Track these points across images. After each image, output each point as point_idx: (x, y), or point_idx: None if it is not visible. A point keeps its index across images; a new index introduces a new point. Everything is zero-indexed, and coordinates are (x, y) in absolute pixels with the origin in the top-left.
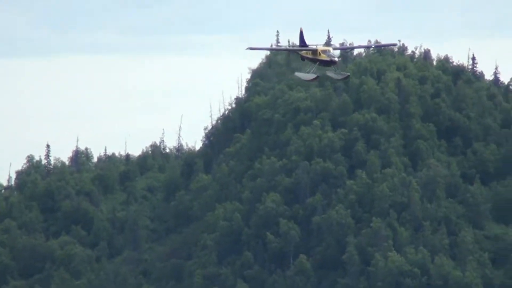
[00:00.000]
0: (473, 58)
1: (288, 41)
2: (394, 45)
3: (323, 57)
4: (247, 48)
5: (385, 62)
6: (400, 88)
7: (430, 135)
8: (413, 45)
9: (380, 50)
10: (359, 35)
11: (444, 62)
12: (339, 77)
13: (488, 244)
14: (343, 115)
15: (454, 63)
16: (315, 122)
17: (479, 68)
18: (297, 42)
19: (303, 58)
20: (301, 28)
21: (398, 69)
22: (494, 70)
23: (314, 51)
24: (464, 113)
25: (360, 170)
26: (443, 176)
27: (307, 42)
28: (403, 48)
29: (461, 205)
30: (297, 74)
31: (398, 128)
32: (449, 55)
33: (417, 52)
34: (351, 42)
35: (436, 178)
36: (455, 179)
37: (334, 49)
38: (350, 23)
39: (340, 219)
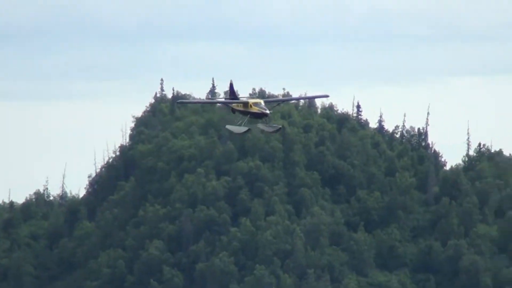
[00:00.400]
0: (358, 106)
1: (173, 89)
2: (326, 96)
3: (255, 109)
4: (178, 102)
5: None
6: (285, 136)
7: (314, 183)
8: (298, 93)
9: (265, 97)
10: (244, 82)
11: (329, 110)
12: (271, 129)
13: None
14: (227, 163)
15: (339, 111)
16: (199, 170)
17: (364, 116)
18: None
19: (233, 111)
20: (231, 80)
21: (283, 117)
22: (379, 118)
23: (245, 104)
24: (348, 161)
25: (244, 218)
26: (327, 224)
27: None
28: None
29: (345, 253)
30: (228, 127)
31: (282, 176)
32: (333, 103)
33: (302, 100)
34: (269, 93)
35: (320, 225)
36: (339, 227)
37: (266, 102)
38: (234, 71)
39: (223, 267)
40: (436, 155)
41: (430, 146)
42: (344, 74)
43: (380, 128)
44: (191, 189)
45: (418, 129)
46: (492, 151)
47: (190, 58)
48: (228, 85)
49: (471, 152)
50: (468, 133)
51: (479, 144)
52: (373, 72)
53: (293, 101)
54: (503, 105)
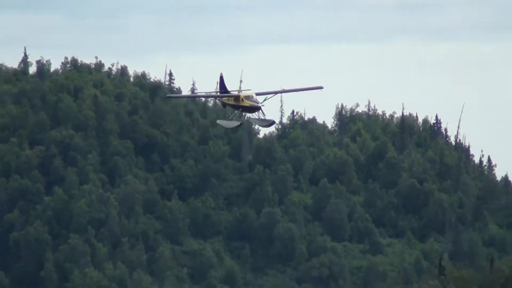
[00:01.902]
0: (170, 74)
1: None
2: (320, 88)
3: (247, 103)
4: (167, 96)
5: (82, 79)
6: (97, 105)
7: (127, 152)
8: (110, 61)
9: (77, 66)
10: (56, 51)
11: (141, 78)
12: (264, 123)
13: (186, 259)
14: (41, 132)
15: (151, 80)
16: (12, 139)
17: (177, 84)
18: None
19: (224, 105)
20: (221, 73)
21: (95, 86)
22: (192, 86)
23: (237, 97)
24: (161, 129)
25: (58, 187)
26: (141, 192)
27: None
28: (99, 65)
29: (159, 221)
30: (219, 122)
31: (96, 145)
32: (146, 72)
33: (114, 69)
34: (73, 57)
35: (134, 194)
36: (153, 195)
37: (257, 94)
38: (46, 40)
39: (38, 236)
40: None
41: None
42: (156, 42)
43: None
44: (5, 158)
45: None
46: (306, 119)
47: (0, 27)
48: (218, 78)
49: (285, 120)
50: (281, 100)
51: (292, 112)
52: (185, 40)
53: (105, 70)
54: (315, 73)
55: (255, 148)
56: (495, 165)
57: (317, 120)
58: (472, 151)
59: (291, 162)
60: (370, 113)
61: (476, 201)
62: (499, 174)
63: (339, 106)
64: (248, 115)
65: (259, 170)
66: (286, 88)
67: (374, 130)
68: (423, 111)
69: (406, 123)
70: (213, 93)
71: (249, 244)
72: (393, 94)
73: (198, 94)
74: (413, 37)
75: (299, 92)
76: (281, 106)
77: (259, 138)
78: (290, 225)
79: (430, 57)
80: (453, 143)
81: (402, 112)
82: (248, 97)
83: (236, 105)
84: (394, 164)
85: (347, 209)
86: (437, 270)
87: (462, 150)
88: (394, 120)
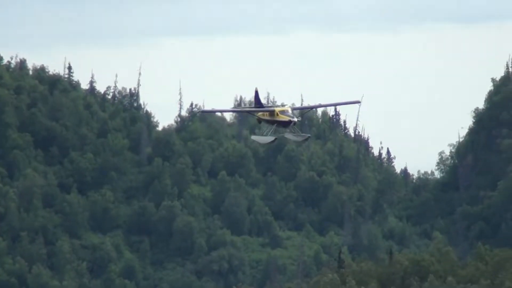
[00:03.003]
0: (69, 67)
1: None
2: (358, 102)
3: (282, 117)
4: (201, 112)
5: None
6: None
7: (26, 145)
8: (9, 54)
9: None
10: None
11: (40, 71)
12: (299, 138)
13: (85, 253)
14: None
15: (50, 73)
16: None
17: (75, 77)
18: None
19: (259, 120)
20: (256, 88)
21: None
22: (90, 79)
23: (272, 112)
24: (60, 122)
25: None
26: (40, 186)
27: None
28: None
29: (58, 215)
30: (253, 137)
31: None
32: (45, 65)
33: (13, 62)
34: None
35: (33, 188)
36: (52, 189)
37: (294, 109)
38: None
39: None
40: (148, 116)
41: (142, 107)
42: (55, 35)
43: (92, 89)
44: None
45: (130, 90)
46: None
47: None
48: (254, 94)
49: (183, 113)
50: (180, 93)
51: (191, 104)
52: (84, 33)
53: (4, 63)
54: (214, 65)
55: (154, 141)
56: (394, 158)
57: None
58: (371, 143)
59: (190, 155)
60: (269, 104)
61: (376, 194)
62: (398, 166)
63: (238, 98)
64: (283, 130)
65: (158, 163)
66: (323, 103)
67: None
68: (322, 100)
69: (305, 115)
70: (248, 108)
71: (148, 237)
72: (292, 86)
73: (233, 109)
74: (314, 28)
75: (307, 110)
76: (180, 98)
77: (158, 131)
78: (189, 219)
79: (330, 49)
80: (352, 135)
81: (301, 104)
82: (283, 112)
83: (272, 120)
84: (293, 156)
85: (246, 202)
86: (336, 263)
87: (361, 143)
88: None
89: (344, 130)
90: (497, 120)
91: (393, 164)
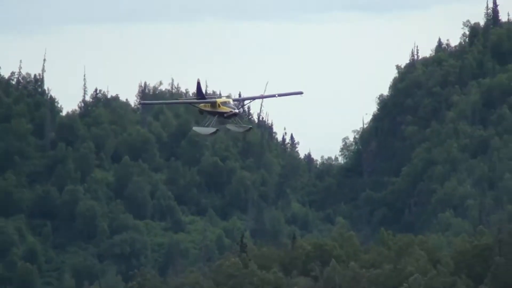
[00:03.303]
0: None
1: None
2: (300, 93)
3: (223, 109)
4: (140, 103)
5: None
6: None
7: None
8: None
9: None
10: None
11: None
12: (241, 129)
13: None
14: None
15: None
16: None
17: None
18: None
19: (201, 111)
20: (198, 79)
21: None
22: None
23: (213, 104)
24: None
25: None
26: None
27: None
28: None
29: None
30: (194, 128)
31: None
32: None
33: None
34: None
35: None
36: None
37: (234, 100)
38: None
39: None
40: (52, 101)
41: (47, 92)
42: None
43: None
44: None
45: (35, 75)
46: (109, 96)
47: None
48: (196, 84)
49: (88, 98)
50: (84, 79)
51: (96, 90)
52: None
53: None
54: (117, 52)
55: (58, 125)
56: (298, 143)
57: (120, 98)
58: (275, 129)
59: (94, 140)
60: (173, 91)
61: (279, 179)
62: (302, 151)
63: (142, 84)
64: (226, 121)
65: (62, 147)
66: (265, 93)
67: (177, 108)
68: (226, 89)
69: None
70: (189, 100)
71: (51, 221)
72: (195, 72)
73: (175, 101)
74: (221, 15)
75: (278, 97)
76: (84, 84)
77: (61, 116)
78: (92, 203)
79: (235, 36)
80: (256, 121)
81: (206, 90)
82: (224, 103)
83: (213, 111)
84: (196, 142)
85: (150, 186)
86: (239, 247)
87: (265, 128)
88: None
89: (248, 115)
90: (402, 106)
91: (296, 149)
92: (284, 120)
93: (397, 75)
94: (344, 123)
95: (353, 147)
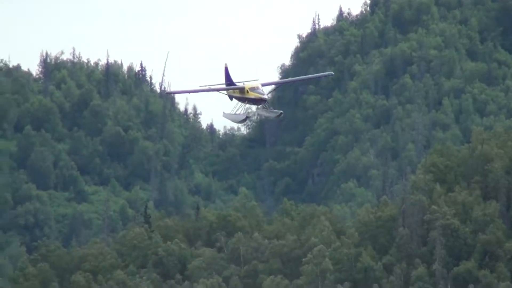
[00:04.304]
0: None
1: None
2: (331, 74)
3: (252, 95)
4: (167, 93)
5: None
6: None
7: None
8: None
9: None
10: None
11: None
12: (272, 115)
13: None
14: None
15: None
16: None
17: None
18: None
19: (231, 97)
20: (225, 64)
21: None
22: None
23: (242, 89)
24: None
25: None
26: None
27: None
28: None
29: None
30: (225, 115)
31: None
32: None
33: None
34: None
35: None
36: None
37: (263, 85)
38: None
39: None
40: None
41: None
42: None
43: None
44: None
45: None
46: (10, 66)
47: None
48: (224, 70)
49: None
50: None
51: None
52: None
53: None
54: (24, 20)
55: None
56: (200, 113)
57: (22, 68)
58: (177, 99)
59: None
60: (75, 60)
61: (182, 149)
62: (204, 122)
63: (44, 54)
64: (255, 107)
65: None
66: (293, 78)
67: (79, 78)
68: (128, 59)
69: (111, 71)
70: (218, 86)
71: None
72: (98, 42)
73: (202, 88)
74: None
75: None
76: None
77: None
78: None
79: (134, 6)
80: (158, 91)
81: (107, 60)
82: (253, 89)
83: (242, 97)
84: (99, 112)
85: (52, 157)
86: (142, 218)
87: (167, 98)
88: (99, 67)
89: (150, 85)
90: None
91: (199, 120)
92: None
93: (298, 44)
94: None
95: (255, 117)
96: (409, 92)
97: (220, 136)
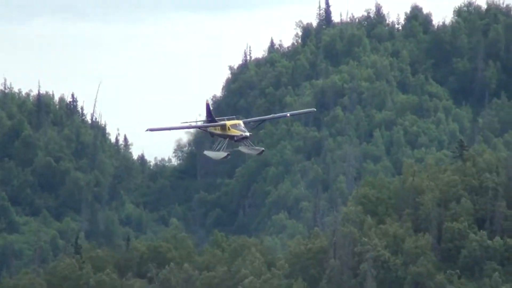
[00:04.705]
0: None
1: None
2: (312, 111)
3: (233, 132)
4: (147, 130)
5: None
6: None
7: None
8: None
9: None
10: None
11: None
12: (253, 152)
13: None
14: None
15: None
16: None
17: None
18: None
19: (212, 134)
20: (207, 100)
21: None
22: None
23: (223, 127)
24: None
25: None
26: None
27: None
28: None
29: None
30: (206, 153)
31: None
32: None
33: None
34: None
35: None
36: None
37: (245, 122)
38: None
39: None
40: None
41: None
42: None
43: None
44: None
45: None
46: None
47: None
48: (205, 106)
49: None
50: None
51: None
52: None
53: None
54: None
55: None
56: (132, 144)
57: None
58: (108, 130)
59: None
60: (6, 91)
61: (113, 180)
62: (135, 153)
63: None
64: (238, 144)
65: None
66: (276, 114)
67: (10, 109)
68: (59, 89)
69: (43, 101)
70: (199, 123)
71: None
72: (29, 72)
73: (182, 125)
74: (52, 17)
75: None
76: None
77: None
78: None
79: (67, 37)
80: (90, 121)
81: (39, 90)
82: (235, 126)
83: (223, 134)
84: (30, 142)
85: None
86: (73, 248)
87: (98, 129)
88: (31, 98)
89: (82, 116)
90: (235, 107)
91: (130, 150)
92: (117, 121)
93: (229, 75)
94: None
95: (186, 149)
96: (340, 124)
97: (151, 167)
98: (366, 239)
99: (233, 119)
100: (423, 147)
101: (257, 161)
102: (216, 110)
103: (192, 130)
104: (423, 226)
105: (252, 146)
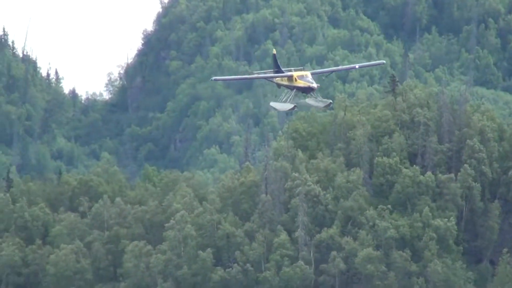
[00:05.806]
0: None
1: None
2: (382, 63)
3: (300, 83)
4: (212, 79)
5: None
6: None
7: None
8: None
9: None
10: None
11: None
12: (321, 104)
13: None
14: None
15: None
16: None
17: None
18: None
19: (278, 85)
20: (274, 51)
21: None
22: None
23: (290, 77)
24: None
25: None
26: None
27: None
28: None
29: None
30: (272, 104)
31: None
32: None
33: None
34: None
35: None
36: None
37: (313, 73)
38: None
39: None
40: None
41: None
42: None
43: None
44: None
45: None
46: None
47: None
48: (272, 57)
49: None
50: None
51: None
52: None
53: None
54: None
55: None
56: (63, 78)
57: None
58: (39, 64)
59: None
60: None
61: (44, 114)
62: (66, 87)
63: None
64: (303, 95)
65: None
66: (344, 66)
67: None
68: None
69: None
70: (265, 74)
71: None
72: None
73: (248, 76)
74: None
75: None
76: None
77: None
78: None
79: None
80: (21, 55)
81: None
82: (302, 77)
83: (290, 85)
84: None
85: None
86: (5, 183)
87: (29, 63)
88: None
89: (13, 50)
90: (166, 41)
91: (61, 84)
92: (48, 55)
93: (160, 10)
94: (109, 58)
95: (118, 83)
96: (271, 58)
97: (82, 101)
98: (296, 174)
99: (300, 70)
100: (354, 82)
101: (188, 95)
102: (148, 45)
103: (123, 64)
104: (355, 161)
105: (319, 98)
